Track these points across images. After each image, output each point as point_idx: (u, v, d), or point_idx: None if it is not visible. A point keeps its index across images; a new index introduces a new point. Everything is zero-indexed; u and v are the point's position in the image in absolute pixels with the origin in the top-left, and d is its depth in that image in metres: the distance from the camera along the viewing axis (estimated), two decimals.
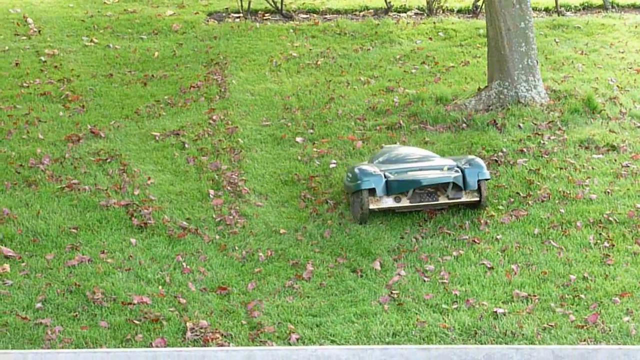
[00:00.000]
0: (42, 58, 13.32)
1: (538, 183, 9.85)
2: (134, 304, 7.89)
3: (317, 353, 6.80)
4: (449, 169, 9.25)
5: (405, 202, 9.18)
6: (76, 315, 7.77)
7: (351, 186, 9.22)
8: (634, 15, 15.18)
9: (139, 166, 10.27)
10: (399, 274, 8.40)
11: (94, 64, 13.20)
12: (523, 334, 7.53)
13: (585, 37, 14.07)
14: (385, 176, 9.19)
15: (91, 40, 14.02)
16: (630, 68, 12.82)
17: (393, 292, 8.14)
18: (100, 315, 7.78)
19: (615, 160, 10.31)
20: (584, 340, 7.46)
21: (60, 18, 14.88)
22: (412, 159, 9.50)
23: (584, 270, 8.43)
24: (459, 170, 9.27)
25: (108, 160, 10.36)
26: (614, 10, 15.49)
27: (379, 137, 10.93)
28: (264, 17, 15.11)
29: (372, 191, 9.14)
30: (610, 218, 9.21)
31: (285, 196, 9.81)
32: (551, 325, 7.64)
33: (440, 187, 9.27)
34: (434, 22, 14.68)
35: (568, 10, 15.45)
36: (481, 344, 7.42)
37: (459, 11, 15.38)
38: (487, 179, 9.35)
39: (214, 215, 9.37)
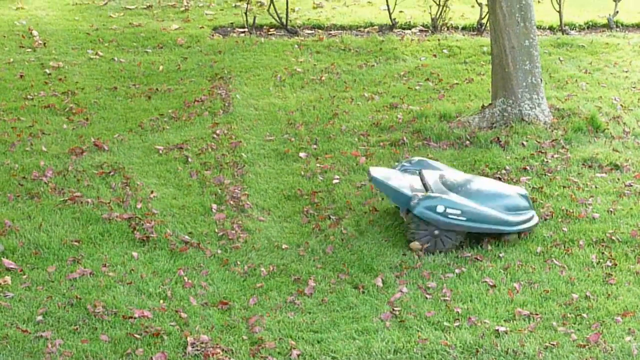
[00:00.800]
0: (47, 70, 13.34)
1: (541, 201, 9.83)
2: (135, 318, 7.87)
3: None
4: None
5: None
6: (77, 328, 7.76)
7: None
8: (639, 34, 15.20)
9: (141, 180, 10.27)
10: (400, 291, 8.38)
11: (99, 77, 13.22)
12: (525, 353, 7.51)
13: (590, 56, 14.08)
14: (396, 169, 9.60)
15: (96, 53, 14.04)
16: (634, 87, 12.83)
17: (395, 308, 8.12)
18: (100, 328, 7.76)
19: (619, 180, 10.30)
20: None
21: (65, 31, 14.91)
22: (451, 178, 9.39)
23: (586, 289, 8.41)
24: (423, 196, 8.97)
25: (111, 174, 10.36)
26: (618, 29, 15.51)
27: (382, 153, 10.93)
28: (269, 32, 15.14)
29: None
30: (613, 237, 9.19)
31: (288, 211, 9.80)
32: (553, 344, 7.62)
33: None
34: (439, 39, 14.70)
35: (572, 29, 15.46)
36: None
37: (464, 28, 15.41)
38: (408, 211, 8.89)
39: (216, 230, 9.37)
